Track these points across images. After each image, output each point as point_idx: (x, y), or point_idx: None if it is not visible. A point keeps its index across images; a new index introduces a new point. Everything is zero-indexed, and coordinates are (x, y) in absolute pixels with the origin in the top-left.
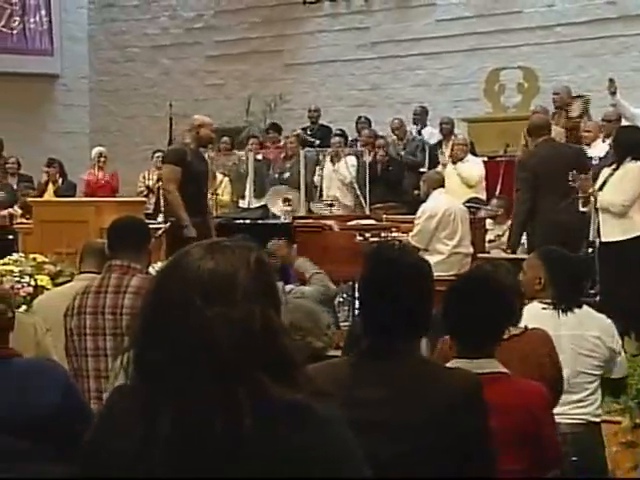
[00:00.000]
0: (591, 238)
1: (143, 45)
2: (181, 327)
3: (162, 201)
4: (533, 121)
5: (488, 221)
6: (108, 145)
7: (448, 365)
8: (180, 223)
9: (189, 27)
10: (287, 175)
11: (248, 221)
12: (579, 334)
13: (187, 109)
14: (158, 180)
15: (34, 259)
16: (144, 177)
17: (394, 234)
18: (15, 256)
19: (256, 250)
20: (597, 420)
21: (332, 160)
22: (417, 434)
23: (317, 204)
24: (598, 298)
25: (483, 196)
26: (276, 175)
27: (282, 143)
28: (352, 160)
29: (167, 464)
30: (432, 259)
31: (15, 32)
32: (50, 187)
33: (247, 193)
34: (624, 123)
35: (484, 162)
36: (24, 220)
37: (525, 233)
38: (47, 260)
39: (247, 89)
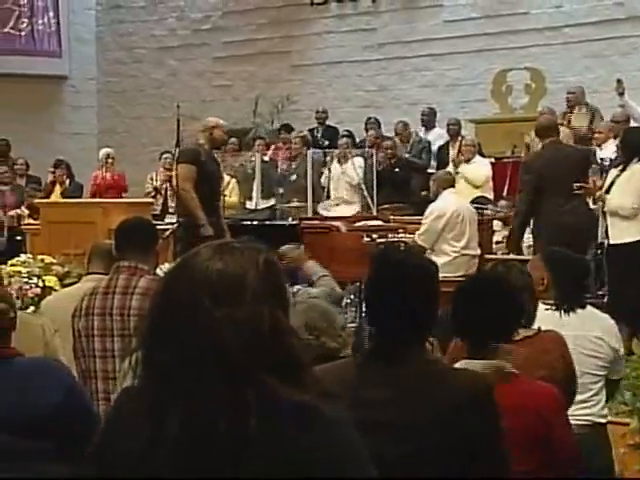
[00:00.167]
0: (599, 240)
1: (150, 46)
2: (189, 328)
3: (171, 201)
4: (540, 122)
5: (495, 222)
6: (115, 146)
7: (456, 365)
8: (197, 222)
9: (196, 28)
10: (293, 177)
11: (255, 222)
12: (582, 335)
13: (194, 110)
14: (165, 181)
15: (42, 260)
16: (151, 178)
17: (401, 235)
18: (23, 257)
19: (265, 251)
20: (602, 421)
21: (339, 161)
22: (423, 434)
23: (324, 205)
24: (606, 299)
25: (490, 196)
26: (282, 177)
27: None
28: (359, 161)
29: (174, 464)
30: (438, 260)
31: (23, 34)
32: (57, 188)
33: (254, 194)
34: (632, 124)
35: (491, 163)
36: (31, 221)
37: (531, 235)
38: (55, 261)
39: (254, 90)
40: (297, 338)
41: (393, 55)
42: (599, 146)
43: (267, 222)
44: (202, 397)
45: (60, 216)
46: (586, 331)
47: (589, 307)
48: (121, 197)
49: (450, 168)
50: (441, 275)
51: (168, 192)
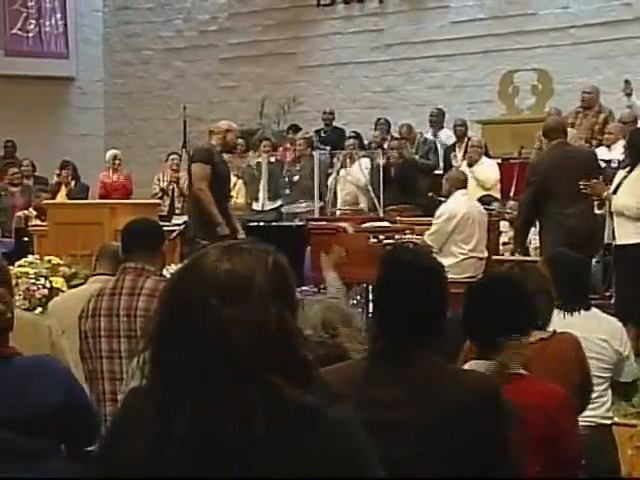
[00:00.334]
0: (606, 241)
1: (157, 48)
2: (197, 328)
3: (178, 202)
4: (547, 123)
5: (502, 223)
6: (122, 147)
7: (465, 366)
8: (213, 221)
9: (203, 30)
10: (297, 178)
11: (262, 223)
12: (585, 336)
13: (201, 111)
14: (172, 182)
15: (49, 261)
16: (158, 179)
17: (408, 236)
18: (30, 258)
19: (273, 253)
20: (607, 422)
21: (346, 163)
22: (431, 435)
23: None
24: (613, 300)
25: (497, 197)
26: (286, 178)
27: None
28: (366, 162)
29: (181, 464)
30: (445, 261)
31: (31, 35)
32: (62, 189)
33: (261, 195)
34: None
35: (498, 164)
36: (38, 222)
37: (538, 237)
38: (62, 262)
39: (261, 91)
40: (304, 339)
41: (400, 56)
42: (609, 147)
43: (274, 223)
44: (209, 397)
45: (67, 217)
46: (590, 333)
47: (594, 309)
48: (128, 198)
49: (463, 168)
50: (448, 276)
51: (175, 193)
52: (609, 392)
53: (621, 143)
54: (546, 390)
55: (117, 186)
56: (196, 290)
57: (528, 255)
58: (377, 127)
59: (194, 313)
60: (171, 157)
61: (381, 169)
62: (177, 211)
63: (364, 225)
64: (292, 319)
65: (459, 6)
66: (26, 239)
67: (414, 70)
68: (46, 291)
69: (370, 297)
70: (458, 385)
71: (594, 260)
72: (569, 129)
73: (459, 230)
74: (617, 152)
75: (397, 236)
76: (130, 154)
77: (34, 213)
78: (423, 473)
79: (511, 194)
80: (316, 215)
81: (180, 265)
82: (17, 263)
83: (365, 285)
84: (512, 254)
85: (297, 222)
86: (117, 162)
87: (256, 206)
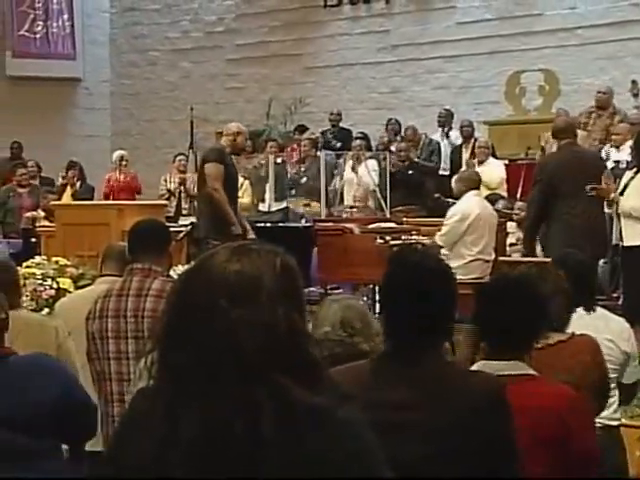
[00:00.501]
0: (614, 242)
1: (164, 49)
2: (206, 329)
3: (185, 203)
4: (557, 124)
5: (510, 224)
6: (129, 148)
7: (473, 367)
8: (228, 220)
9: (210, 31)
10: (303, 179)
11: (269, 224)
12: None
13: (208, 112)
14: (179, 183)
15: (56, 262)
16: (165, 180)
17: (414, 237)
18: (38, 259)
19: (282, 254)
20: (614, 424)
21: (353, 164)
22: (442, 436)
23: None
24: (621, 301)
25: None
26: (291, 179)
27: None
28: (373, 164)
29: (188, 465)
30: (453, 263)
31: (38, 36)
32: (68, 190)
33: (267, 196)
34: None
35: (505, 165)
36: (47, 223)
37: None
38: (69, 263)
39: (267, 92)
40: (313, 340)
41: (406, 57)
42: (617, 147)
43: (280, 224)
44: (218, 398)
45: (74, 218)
46: (597, 334)
47: (601, 309)
48: (135, 199)
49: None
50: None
51: (182, 194)
52: (616, 393)
53: (629, 144)
54: (557, 391)
55: (124, 187)
56: (205, 291)
57: (535, 255)
58: (388, 128)
59: (202, 314)
60: (178, 158)
61: (388, 170)
62: (184, 212)
63: (371, 226)
64: (300, 320)
65: (465, 7)
66: (33, 240)
67: (420, 71)
68: (53, 292)
69: (377, 298)
70: (467, 386)
71: (602, 261)
72: (579, 131)
73: (470, 231)
74: (625, 153)
75: (404, 237)
76: (137, 155)
77: (42, 214)
78: (432, 474)
79: (518, 195)
80: (322, 216)
81: (188, 266)
82: (24, 264)
83: (372, 286)
84: (523, 255)
85: (304, 223)
86: (124, 163)
87: (262, 207)
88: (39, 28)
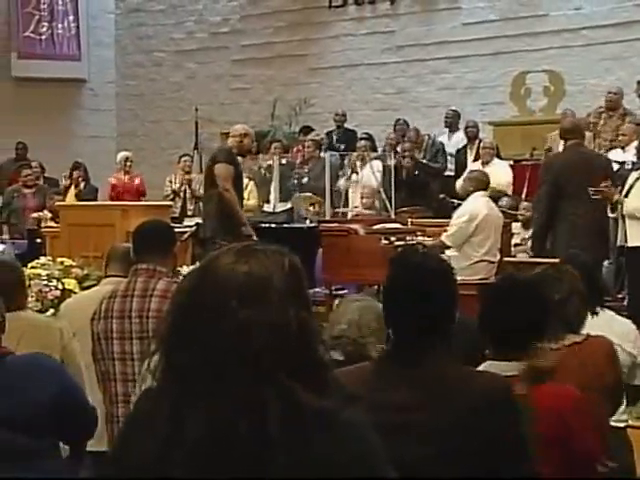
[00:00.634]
0: (619, 243)
1: (169, 49)
2: (212, 329)
3: (190, 204)
4: (563, 125)
5: (514, 225)
6: (134, 149)
7: (479, 367)
8: (239, 221)
9: (215, 31)
10: (305, 180)
11: (273, 225)
12: None
13: (213, 113)
14: (184, 184)
15: (61, 263)
16: (170, 181)
17: (419, 238)
18: (43, 260)
19: (288, 254)
20: (620, 425)
21: (357, 165)
22: (443, 437)
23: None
24: (626, 302)
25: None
26: (295, 180)
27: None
28: (377, 165)
29: (193, 465)
30: (458, 263)
31: (43, 38)
32: (72, 190)
33: (272, 197)
34: None
35: (510, 166)
36: (52, 224)
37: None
38: (74, 264)
39: (272, 93)
40: (321, 339)
41: (411, 58)
42: (623, 148)
43: (285, 225)
44: (224, 398)
45: (79, 219)
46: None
47: (607, 311)
48: (140, 200)
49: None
50: (458, 278)
51: (187, 195)
52: (623, 395)
53: (634, 144)
54: (560, 392)
55: (129, 188)
56: (212, 292)
57: (543, 256)
58: (396, 128)
59: (209, 314)
60: (183, 159)
61: (392, 171)
62: (189, 213)
63: (375, 227)
64: (310, 319)
65: (470, 7)
66: (39, 240)
67: (425, 72)
68: (58, 292)
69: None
70: (469, 387)
71: (606, 262)
72: (586, 132)
73: (477, 232)
74: (630, 154)
75: (408, 237)
76: (142, 156)
77: (49, 215)
78: (435, 474)
79: (523, 196)
80: (327, 217)
81: (193, 267)
82: (30, 265)
83: (377, 286)
84: (531, 256)
85: (308, 224)
86: (129, 164)
87: (267, 208)
88: (44, 29)
